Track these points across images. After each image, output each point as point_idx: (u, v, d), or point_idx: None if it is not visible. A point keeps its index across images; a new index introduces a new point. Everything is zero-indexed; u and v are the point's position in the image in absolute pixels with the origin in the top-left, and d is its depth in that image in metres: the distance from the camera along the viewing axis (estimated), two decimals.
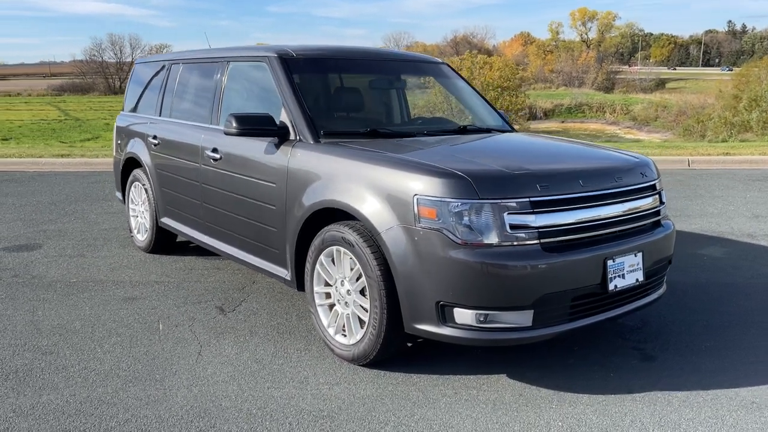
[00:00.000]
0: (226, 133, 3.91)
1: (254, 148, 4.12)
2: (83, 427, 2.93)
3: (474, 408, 3.12)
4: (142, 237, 5.94)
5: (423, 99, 5.06)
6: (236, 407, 3.12)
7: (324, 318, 3.71)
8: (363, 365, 3.51)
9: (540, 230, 3.10)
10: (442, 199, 3.05)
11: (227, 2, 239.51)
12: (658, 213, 3.71)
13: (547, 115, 55.33)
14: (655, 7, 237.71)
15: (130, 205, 6.10)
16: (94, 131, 33.91)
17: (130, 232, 6.19)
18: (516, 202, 3.06)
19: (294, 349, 3.79)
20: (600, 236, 3.32)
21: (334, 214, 3.55)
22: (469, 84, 5.07)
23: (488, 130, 4.54)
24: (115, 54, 72.88)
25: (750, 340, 3.96)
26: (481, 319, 3.09)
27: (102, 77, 67.60)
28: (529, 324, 3.13)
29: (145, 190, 5.68)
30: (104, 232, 6.69)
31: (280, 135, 3.94)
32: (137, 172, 5.80)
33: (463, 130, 4.39)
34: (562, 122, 53.02)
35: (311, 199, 3.65)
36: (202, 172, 4.67)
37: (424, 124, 4.69)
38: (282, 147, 3.92)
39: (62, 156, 12.34)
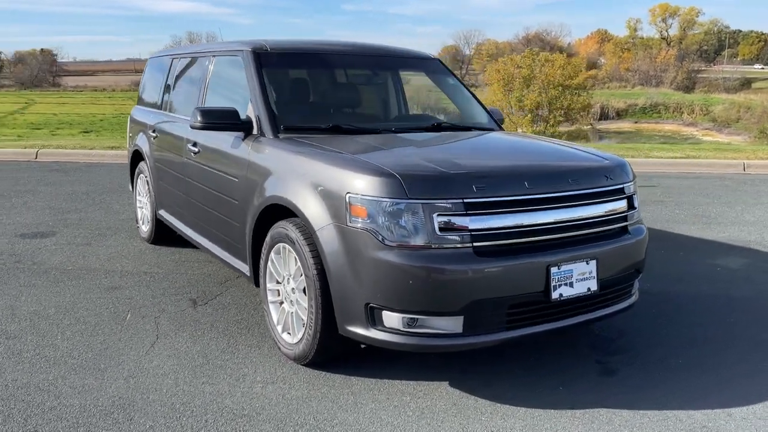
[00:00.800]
0: (192, 127, 3.93)
1: (224, 143, 4.12)
2: (8, 412, 2.99)
3: (399, 415, 3.01)
4: (145, 228, 6.07)
5: (408, 93, 4.94)
6: (162, 401, 3.12)
7: (274, 315, 3.68)
8: (304, 365, 3.45)
9: (474, 233, 2.96)
10: (372, 198, 2.96)
11: (303, 0, 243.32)
12: (624, 219, 3.48)
13: (620, 115, 53.54)
14: (743, 2, 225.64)
15: (137, 197, 6.25)
16: None
17: (137, 222, 6.34)
18: (448, 203, 2.93)
19: (246, 345, 3.77)
20: (544, 242, 3.14)
21: (287, 210, 3.50)
22: (461, 81, 4.91)
23: (467, 128, 4.39)
24: None
25: (730, 358, 3.68)
26: (409, 323, 2.98)
27: None
28: (460, 331, 2.99)
29: (147, 182, 5.80)
30: (120, 222, 6.88)
31: (244, 129, 3.93)
32: (141, 165, 5.93)
33: (438, 128, 4.25)
34: (635, 123, 51.20)
35: (263, 194, 3.62)
36: (185, 165, 4.72)
37: (399, 120, 4.57)
38: (245, 141, 3.91)
39: (112, 148, 12.79)
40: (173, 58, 5.58)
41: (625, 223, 3.49)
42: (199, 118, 3.85)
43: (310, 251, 3.21)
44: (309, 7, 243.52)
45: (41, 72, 78.07)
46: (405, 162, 3.21)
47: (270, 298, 3.69)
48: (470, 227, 2.95)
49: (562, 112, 25.94)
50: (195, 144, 4.50)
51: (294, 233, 3.32)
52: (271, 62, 4.20)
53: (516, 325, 3.10)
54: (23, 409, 3.02)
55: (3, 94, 61.90)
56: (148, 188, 5.79)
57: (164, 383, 3.30)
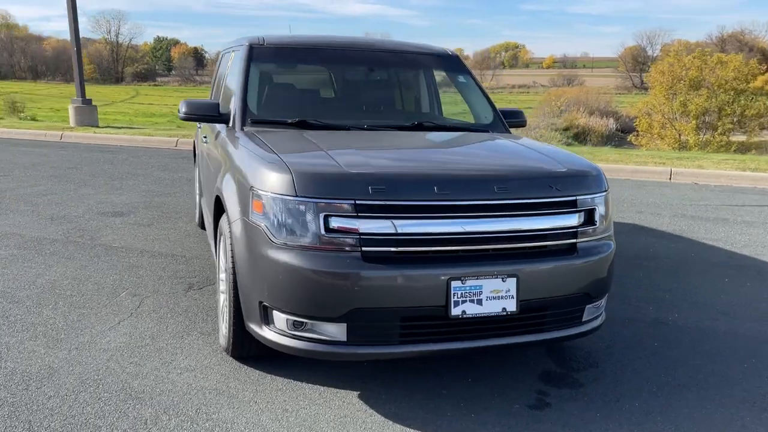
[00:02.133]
0: (180, 118, 4.10)
1: (212, 134, 4.26)
2: None
3: (280, 421, 2.93)
4: (197, 213, 6.42)
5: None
6: (80, 374, 3.29)
7: (219, 305, 3.73)
8: (236, 358, 3.46)
9: (364, 237, 2.79)
10: (265, 193, 2.90)
11: (481, 1, 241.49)
12: (573, 235, 3.09)
13: None
14: None
15: (196, 184, 6.62)
16: None
17: (196, 209, 6.73)
18: (338, 204, 2.79)
19: (199, 332, 3.87)
20: (448, 253, 2.88)
21: None
22: (474, 79, 4.63)
23: (454, 129, 4.13)
24: None
25: (698, 403, 3.14)
26: (295, 326, 2.89)
27: None
28: (344, 339, 2.84)
29: (198, 171, 6.14)
30: (191, 208, 7.33)
31: (224, 121, 4.02)
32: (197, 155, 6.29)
33: (418, 127, 4.05)
34: None
35: (214, 185, 3.70)
36: (201, 155, 4.94)
37: (384, 118, 4.38)
38: (224, 133, 4.01)
39: None
40: (222, 54, 5.83)
41: (572, 240, 3.09)
42: (183, 110, 4.00)
43: (230, 244, 3.22)
44: (487, 8, 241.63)
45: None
46: (310, 160, 3.10)
47: (220, 287, 3.75)
48: (360, 230, 2.78)
49: (734, 119, 23.38)
50: (206, 136, 4.68)
51: (223, 225, 3.35)
52: (262, 57, 4.25)
53: (411, 339, 2.88)
54: None
55: (199, 89, 68.18)
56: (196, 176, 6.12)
57: (97, 359, 3.47)
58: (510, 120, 4.55)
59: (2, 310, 4.11)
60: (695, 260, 5.71)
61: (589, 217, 3.17)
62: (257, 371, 3.36)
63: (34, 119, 19.22)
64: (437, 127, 4.12)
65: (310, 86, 4.49)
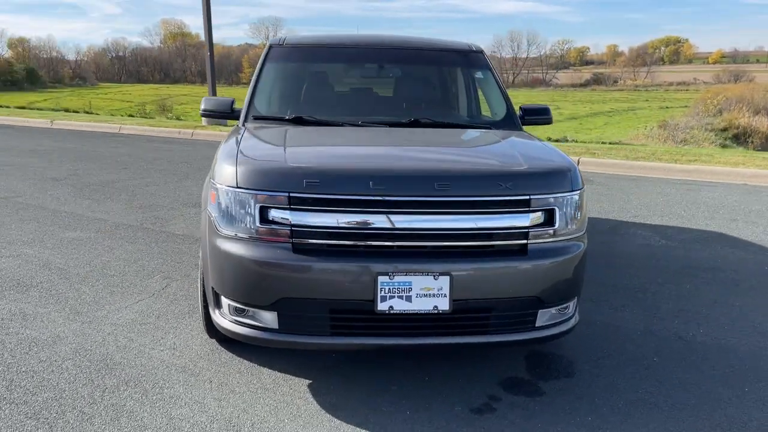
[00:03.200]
0: (200, 114, 4.41)
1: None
2: None
3: (221, 400, 3.10)
4: None
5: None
6: (79, 344, 3.66)
7: None
8: (217, 340, 3.67)
9: (295, 229, 2.88)
10: (218, 185, 3.08)
11: None
12: (523, 236, 2.97)
13: None
14: None
15: None
16: None
17: None
18: (272, 196, 2.90)
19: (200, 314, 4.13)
20: (378, 248, 2.89)
21: None
22: (494, 76, 4.53)
23: (454, 125, 4.08)
24: (512, 50, 76.37)
25: (660, 424, 2.91)
26: (237, 312, 3.04)
27: (498, 73, 71.94)
28: (276, 327, 2.95)
29: None
30: None
31: (236, 117, 4.27)
32: None
33: (414, 123, 4.04)
34: None
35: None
36: None
37: (380, 114, 4.35)
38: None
39: None
40: None
41: (521, 241, 2.97)
42: (202, 107, 4.30)
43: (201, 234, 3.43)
44: (647, 1, 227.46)
45: None
46: (261, 155, 3.21)
47: None
48: (291, 222, 2.88)
49: None
50: None
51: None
52: (279, 56, 4.45)
53: (341, 332, 2.93)
54: None
55: None
56: None
57: (101, 332, 3.83)
58: (533, 117, 4.42)
59: (50, 284, 4.62)
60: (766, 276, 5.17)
61: (549, 218, 3.02)
62: (230, 354, 3.55)
63: (178, 118, 20.95)
64: (434, 124, 4.07)
65: (320, 83, 4.60)
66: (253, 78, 4.30)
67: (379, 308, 2.83)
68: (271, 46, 4.49)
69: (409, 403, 3.07)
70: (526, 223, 2.96)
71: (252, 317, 2.99)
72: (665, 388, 3.26)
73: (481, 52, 4.63)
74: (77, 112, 21.34)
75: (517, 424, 2.91)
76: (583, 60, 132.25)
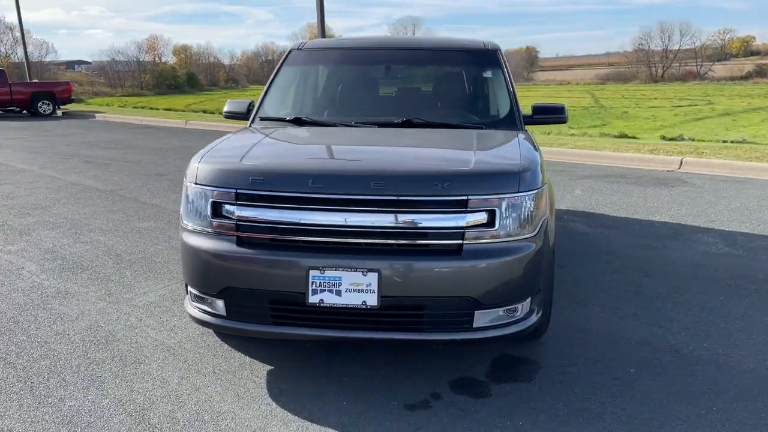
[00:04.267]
0: (224, 116, 4.78)
1: None
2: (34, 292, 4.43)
3: (183, 377, 3.39)
4: None
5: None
6: (89, 319, 4.12)
7: None
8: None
9: (239, 223, 3.11)
10: (184, 182, 3.38)
11: None
12: (458, 236, 2.99)
13: None
14: None
15: None
16: (606, 119, 34.21)
17: None
18: (222, 192, 3.14)
19: None
20: (310, 243, 3.03)
21: None
22: (504, 75, 4.48)
23: (441, 126, 4.10)
24: (663, 41, 71.68)
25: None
26: (198, 299, 3.32)
27: (645, 65, 67.81)
28: (224, 314, 3.20)
29: None
30: None
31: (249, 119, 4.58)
32: None
33: (407, 124, 4.12)
34: None
35: None
36: None
37: (381, 115, 4.41)
38: None
39: None
40: None
41: (457, 241, 2.99)
42: (225, 108, 4.66)
43: None
44: None
45: (518, 68, 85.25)
46: (225, 153, 3.43)
47: None
48: (237, 217, 3.10)
49: None
50: None
51: None
52: (295, 60, 4.70)
53: (281, 321, 3.10)
54: (41, 294, 4.41)
55: None
56: None
57: (118, 312, 4.28)
58: (543, 116, 4.35)
59: (102, 268, 5.18)
60: None
61: (491, 219, 3.02)
62: (218, 339, 3.83)
63: None
64: (426, 125, 4.11)
65: (330, 85, 4.77)
66: (269, 81, 4.57)
67: (310, 301, 2.97)
68: (290, 51, 4.74)
69: (351, 393, 3.18)
70: (462, 224, 2.97)
71: (210, 304, 3.23)
72: (621, 400, 3.13)
73: (496, 50, 4.59)
74: (213, 113, 22.98)
75: (444, 422, 2.93)
76: (748, 51, 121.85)
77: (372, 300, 2.94)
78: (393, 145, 3.74)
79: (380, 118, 4.21)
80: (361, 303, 2.95)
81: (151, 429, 2.88)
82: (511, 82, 4.41)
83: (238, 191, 3.09)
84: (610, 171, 9.96)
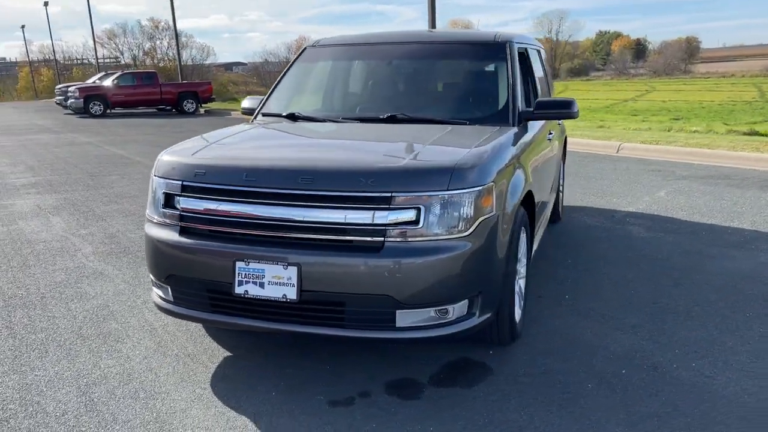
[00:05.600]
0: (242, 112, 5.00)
1: None
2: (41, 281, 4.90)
3: (137, 362, 3.61)
4: None
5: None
6: (98, 301, 4.49)
7: None
8: None
9: (183, 214, 3.27)
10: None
11: None
12: (380, 233, 2.95)
13: None
14: None
15: None
16: None
17: None
18: (171, 183, 3.32)
19: None
20: (239, 235, 3.12)
21: None
22: (509, 70, 4.29)
23: (422, 121, 4.02)
24: None
25: None
26: (154, 284, 3.52)
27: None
28: (172, 299, 3.37)
29: None
30: None
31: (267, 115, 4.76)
32: None
33: (391, 119, 4.08)
34: None
35: None
36: None
37: (369, 110, 4.31)
38: None
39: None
40: None
41: (378, 239, 2.95)
42: (243, 105, 4.88)
43: None
44: None
45: (675, 60, 79.88)
46: (184, 148, 3.57)
47: None
48: (181, 207, 3.26)
49: None
50: None
51: None
52: (307, 57, 4.81)
53: (217, 310, 3.22)
54: (79, 274, 4.87)
55: (631, 83, 66.30)
56: None
57: (132, 293, 4.61)
58: (546, 111, 4.13)
59: (128, 262, 5.59)
60: None
61: (417, 217, 2.94)
62: (189, 329, 4.01)
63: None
64: (410, 120, 4.04)
65: (333, 81, 4.79)
66: (279, 77, 4.71)
67: (235, 291, 3.06)
68: (305, 48, 4.84)
69: (286, 385, 3.23)
70: (385, 221, 2.92)
71: (164, 290, 3.41)
72: (555, 416, 2.92)
73: (505, 43, 4.40)
74: None
75: (356, 421, 2.90)
76: None
77: (292, 294, 2.97)
78: (359, 140, 3.73)
79: (368, 114, 4.20)
80: (281, 296, 2.98)
81: (87, 403, 3.09)
82: (516, 76, 4.21)
83: (184, 183, 3.24)
84: (717, 171, 9.15)
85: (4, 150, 14.14)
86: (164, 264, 3.29)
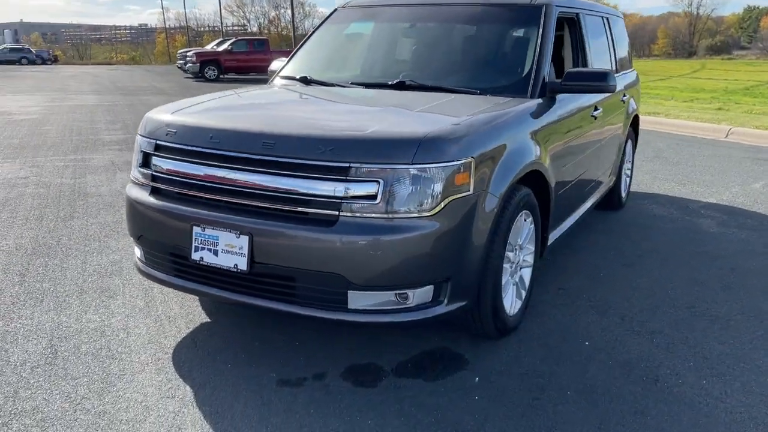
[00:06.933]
0: None
1: None
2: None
3: (97, 319, 3.62)
4: None
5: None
6: (115, 265, 4.56)
7: None
8: None
9: (154, 173, 3.20)
10: None
11: None
12: (335, 206, 2.72)
13: None
14: None
15: None
16: None
17: None
18: (148, 142, 3.24)
19: None
20: (201, 199, 2.99)
21: None
22: (541, 36, 3.87)
23: (431, 89, 3.70)
24: None
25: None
26: (136, 247, 3.48)
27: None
28: (143, 259, 3.33)
29: None
30: None
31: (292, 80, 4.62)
32: None
33: (399, 86, 3.80)
34: None
35: None
36: None
37: (385, 76, 4.00)
38: None
39: (651, 114, 12.67)
40: None
41: (333, 212, 2.72)
42: (270, 68, 4.78)
43: None
44: None
45: None
46: (171, 107, 3.46)
47: None
48: (153, 166, 3.19)
49: None
50: None
51: None
52: (335, 19, 4.60)
53: (179, 274, 3.13)
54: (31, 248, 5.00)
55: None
56: None
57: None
58: (577, 83, 3.70)
59: None
60: None
61: (376, 190, 2.70)
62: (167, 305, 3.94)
63: None
64: (417, 87, 3.72)
65: (353, 44, 4.52)
66: (304, 39, 4.54)
67: (192, 257, 2.95)
68: (335, 10, 4.63)
69: (246, 359, 3.10)
70: (340, 194, 2.69)
71: (139, 251, 3.36)
72: (507, 423, 2.60)
73: (542, 6, 3.97)
74: None
75: (295, 404, 2.73)
76: None
77: (243, 264, 2.82)
78: (344, 106, 3.53)
79: (376, 79, 3.94)
80: (233, 266, 2.84)
81: (50, 356, 3.11)
82: (547, 44, 3.78)
83: (157, 142, 3.15)
84: None
85: (113, 109, 14.95)
86: (136, 224, 3.23)
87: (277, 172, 2.77)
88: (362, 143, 2.70)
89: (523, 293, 3.47)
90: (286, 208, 2.77)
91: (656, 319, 3.59)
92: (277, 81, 4.31)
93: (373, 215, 2.66)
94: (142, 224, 3.17)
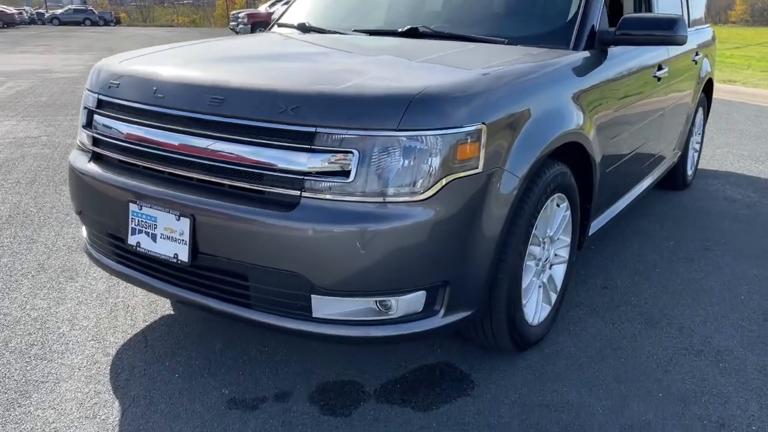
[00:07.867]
0: None
1: None
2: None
3: (45, 306, 3.09)
4: None
5: None
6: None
7: None
8: None
9: (95, 135, 2.61)
10: None
11: None
12: (297, 183, 2.07)
13: None
14: None
15: None
16: None
17: None
18: (91, 97, 2.63)
19: None
20: (138, 169, 2.40)
21: None
22: None
23: (448, 37, 2.99)
24: None
25: None
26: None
27: None
28: (88, 239, 2.76)
29: None
30: None
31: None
32: None
33: (410, 33, 3.09)
34: None
35: None
36: None
37: (385, 22, 3.32)
38: None
39: (726, 82, 11.53)
40: None
41: (293, 192, 2.06)
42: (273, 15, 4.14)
43: None
44: None
45: None
46: (131, 55, 2.86)
47: None
48: (93, 127, 2.60)
49: None
50: None
51: None
52: None
53: (119, 260, 2.55)
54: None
55: None
56: None
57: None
58: (635, 33, 2.93)
59: None
60: None
61: (348, 164, 2.03)
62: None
63: None
64: (432, 35, 3.02)
65: None
66: None
67: (129, 241, 2.36)
68: None
69: (199, 366, 2.54)
70: (302, 167, 2.03)
71: (84, 228, 2.81)
72: None
73: None
74: None
75: (234, 428, 2.13)
76: None
77: (183, 254, 2.21)
78: (328, 56, 2.85)
79: (385, 26, 3.26)
80: (172, 255, 2.24)
81: None
82: None
83: (100, 97, 2.56)
84: None
85: None
86: (77, 197, 2.66)
87: (223, 136, 2.14)
88: (333, 101, 2.03)
89: (553, 297, 2.77)
90: (236, 184, 2.13)
91: (721, 333, 2.84)
92: (275, 29, 3.66)
93: (345, 198, 2.00)
94: (82, 198, 2.60)
